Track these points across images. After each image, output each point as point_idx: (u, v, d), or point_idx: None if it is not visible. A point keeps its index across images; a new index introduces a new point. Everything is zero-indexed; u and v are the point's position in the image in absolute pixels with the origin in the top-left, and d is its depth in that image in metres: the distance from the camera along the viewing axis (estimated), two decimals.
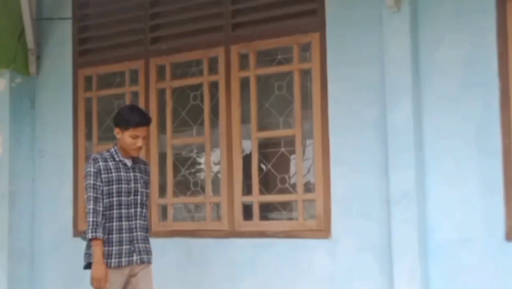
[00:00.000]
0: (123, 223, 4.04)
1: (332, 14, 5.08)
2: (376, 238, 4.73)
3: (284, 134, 5.52)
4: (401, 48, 4.66)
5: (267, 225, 5.29)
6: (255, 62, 5.48)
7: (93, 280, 3.93)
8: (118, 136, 4.08)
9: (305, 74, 5.32)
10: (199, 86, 5.81)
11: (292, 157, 5.52)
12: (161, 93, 5.95)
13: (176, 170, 5.94)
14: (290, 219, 5.42)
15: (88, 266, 4.03)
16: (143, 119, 4.07)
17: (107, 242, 3.97)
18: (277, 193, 5.50)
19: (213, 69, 5.71)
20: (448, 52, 4.61)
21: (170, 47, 5.88)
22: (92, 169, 4.01)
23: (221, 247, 5.37)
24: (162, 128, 5.92)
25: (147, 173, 4.28)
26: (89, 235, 3.92)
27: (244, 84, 5.53)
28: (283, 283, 5.07)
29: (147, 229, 4.21)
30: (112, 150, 4.13)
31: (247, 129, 5.57)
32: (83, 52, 6.41)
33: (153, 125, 5.85)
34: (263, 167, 5.71)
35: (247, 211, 5.43)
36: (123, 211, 4.03)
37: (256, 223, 5.31)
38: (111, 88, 6.33)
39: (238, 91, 5.50)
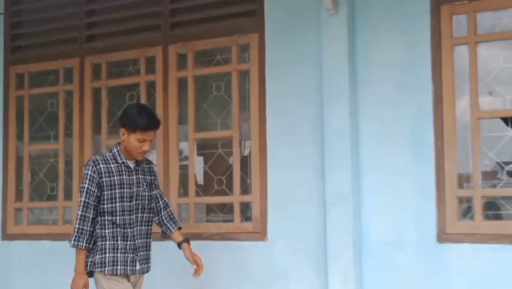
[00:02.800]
0: (128, 230, 3.74)
1: (271, 15, 5.08)
2: (312, 240, 4.73)
3: (222, 136, 5.47)
4: (338, 50, 4.69)
5: (203, 227, 5.22)
6: (193, 62, 5.41)
7: None
8: (123, 137, 3.74)
9: (244, 75, 5.29)
10: (135, 86, 5.70)
11: (230, 158, 5.48)
12: (97, 92, 5.82)
13: None
14: (227, 221, 5.36)
15: (91, 274, 3.76)
16: (153, 123, 3.71)
17: (113, 248, 3.70)
18: (214, 195, 5.44)
19: (150, 69, 5.61)
20: (384, 55, 4.66)
21: (106, 45, 5.76)
22: (89, 172, 3.69)
23: (156, 249, 5.22)
24: (96, 128, 5.78)
25: (151, 172, 3.96)
26: (71, 243, 3.68)
27: (182, 84, 5.46)
28: (219, 285, 5.01)
29: (148, 235, 3.91)
30: (115, 150, 3.78)
31: (184, 130, 5.50)
32: (15, 49, 6.21)
33: (87, 126, 5.74)
34: (201, 168, 5.64)
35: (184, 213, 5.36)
36: (125, 217, 3.73)
37: (192, 225, 5.23)
38: (44, 86, 6.15)
39: (176, 91, 5.43)
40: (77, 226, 3.67)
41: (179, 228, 4.07)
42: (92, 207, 3.67)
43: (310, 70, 4.86)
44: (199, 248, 5.06)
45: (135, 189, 3.76)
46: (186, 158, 5.42)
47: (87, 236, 3.66)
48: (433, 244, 4.42)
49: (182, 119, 5.47)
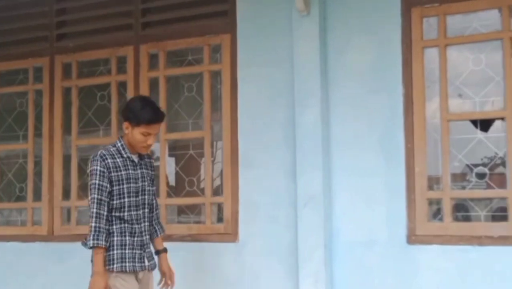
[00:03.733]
0: (135, 226, 3.64)
1: (243, 16, 5.06)
2: (283, 241, 4.72)
3: (194, 137, 5.44)
4: (310, 51, 4.69)
5: (174, 228, 5.18)
6: (165, 62, 5.37)
7: None
8: (126, 131, 3.62)
9: (215, 75, 5.27)
10: (106, 86, 5.65)
11: (202, 159, 5.45)
12: (67, 92, 5.75)
13: (81, 172, 5.73)
14: (198, 222, 5.33)
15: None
16: (156, 116, 3.62)
17: (120, 245, 3.56)
18: (185, 196, 5.41)
19: (121, 69, 5.56)
20: (355, 57, 4.68)
21: (76, 44, 5.69)
22: (98, 167, 3.55)
23: None
24: (67, 128, 5.71)
25: (152, 167, 3.85)
26: (90, 243, 3.46)
27: (153, 84, 5.41)
28: (189, 286, 4.97)
29: (149, 232, 3.82)
30: (119, 144, 3.67)
31: None
32: None
33: (57, 126, 5.67)
34: (172, 169, 5.61)
35: None
36: (133, 212, 3.62)
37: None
38: (13, 86, 6.06)
39: (147, 91, 5.38)
40: (93, 224, 3.47)
41: (163, 234, 3.96)
42: (106, 204, 3.53)
43: (282, 71, 4.85)
44: (170, 249, 5.07)
45: (140, 184, 3.67)
46: (158, 159, 5.37)
47: (104, 234, 3.50)
48: (403, 245, 4.44)
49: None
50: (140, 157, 3.73)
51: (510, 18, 4.38)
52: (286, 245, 4.71)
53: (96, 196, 3.51)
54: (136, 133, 3.59)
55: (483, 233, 4.27)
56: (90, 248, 3.49)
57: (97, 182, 3.53)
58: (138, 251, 3.62)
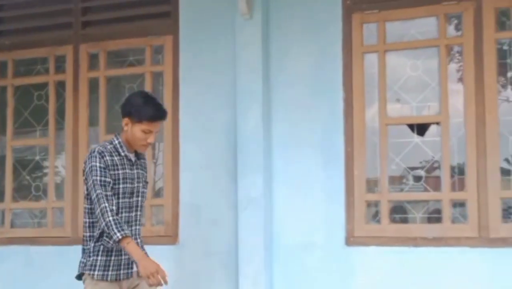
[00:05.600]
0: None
1: (186, 18, 5.05)
2: (223, 244, 4.72)
3: None
4: (252, 55, 4.71)
5: None
6: (105, 62, 5.30)
7: (150, 277, 3.09)
8: (125, 128, 3.35)
9: (157, 77, 5.22)
10: (44, 86, 5.52)
11: None
12: (2, 91, 5.59)
13: (16, 173, 5.58)
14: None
15: (79, 277, 3.35)
16: (160, 113, 3.36)
17: (106, 251, 3.28)
18: None
19: (60, 68, 5.45)
20: (297, 61, 4.73)
21: (13, 42, 5.55)
22: (97, 164, 3.25)
23: (63, 255, 5.09)
24: (1, 129, 5.55)
25: (145, 168, 3.60)
26: (117, 236, 3.12)
27: (93, 85, 5.33)
28: None
29: (141, 234, 3.55)
30: (116, 141, 3.38)
31: (95, 132, 5.36)
32: None
33: None
34: None
35: None
36: (124, 214, 3.34)
37: None
38: None
39: (87, 92, 5.31)
40: (109, 218, 3.16)
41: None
42: (113, 199, 3.24)
43: (224, 74, 4.86)
44: None
45: (136, 185, 3.42)
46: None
47: (123, 224, 3.20)
48: (342, 247, 4.51)
49: (93, 121, 5.33)
50: (137, 156, 3.50)
51: (447, 26, 4.52)
52: (226, 247, 4.70)
53: (100, 191, 3.22)
54: (136, 131, 3.32)
55: (419, 235, 4.39)
56: (119, 241, 3.15)
57: (98, 178, 3.24)
58: (126, 256, 3.33)
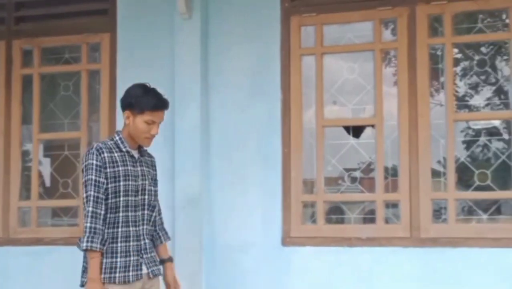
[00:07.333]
0: (130, 229, 3.23)
1: (124, 16, 4.98)
2: None
3: (70, 137, 5.27)
4: (191, 55, 4.68)
5: (46, 232, 4.99)
6: (40, 59, 5.17)
7: None
8: (127, 121, 3.26)
9: (94, 75, 5.14)
10: None
11: (77, 160, 5.29)
12: None
13: None
14: (72, 225, 5.16)
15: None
16: (161, 101, 3.29)
17: (111, 252, 3.17)
18: (59, 198, 5.23)
19: None
20: (236, 61, 4.74)
21: None
22: (94, 162, 3.16)
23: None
24: None
25: (154, 166, 3.51)
26: (84, 245, 3.07)
27: (27, 82, 5.19)
28: None
29: (153, 236, 3.45)
30: (117, 138, 3.29)
31: (29, 130, 5.23)
32: None
33: None
34: (45, 170, 5.40)
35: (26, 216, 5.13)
36: (130, 214, 3.23)
37: (33, 230, 5.00)
38: None
39: (20, 89, 5.17)
40: (88, 224, 3.09)
41: (168, 241, 3.59)
42: (103, 202, 3.16)
43: (163, 74, 4.80)
44: (40, 253, 4.90)
45: (140, 182, 3.30)
46: (30, 160, 5.16)
47: (101, 236, 3.12)
48: (278, 247, 4.55)
49: (26, 119, 5.20)
50: (141, 153, 3.38)
51: (382, 31, 4.62)
52: None
53: (92, 192, 3.14)
54: (139, 122, 3.24)
55: (353, 235, 4.47)
56: (84, 250, 3.12)
57: (93, 177, 3.15)
58: (133, 258, 3.23)
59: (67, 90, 5.33)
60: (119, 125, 4.84)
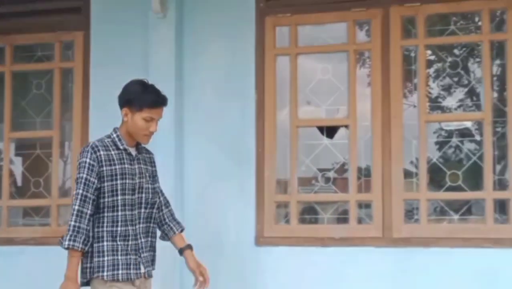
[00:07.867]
0: (129, 228, 3.18)
1: (98, 14, 4.95)
2: None
3: (42, 136, 5.21)
4: (165, 54, 4.67)
5: (17, 231, 4.94)
6: (11, 57, 5.12)
7: None
8: (125, 119, 3.20)
9: (67, 73, 5.10)
10: None
11: (49, 159, 5.24)
12: None
13: None
14: (44, 225, 5.11)
15: (87, 283, 3.15)
16: (160, 98, 3.22)
17: (111, 250, 3.12)
18: (30, 197, 5.17)
19: None
20: (210, 61, 4.73)
21: None
22: (88, 160, 3.09)
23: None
24: None
25: (152, 163, 3.43)
26: (66, 244, 3.02)
27: None
28: None
29: (151, 234, 3.33)
30: (114, 135, 3.23)
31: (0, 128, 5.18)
32: None
33: None
34: (17, 169, 5.34)
35: None
36: (127, 213, 3.17)
37: (4, 229, 4.95)
38: None
39: None
40: (72, 223, 3.04)
41: (182, 230, 3.54)
42: (91, 201, 3.08)
43: (137, 73, 4.66)
44: (11, 253, 4.84)
45: (137, 180, 3.23)
46: (1, 160, 5.10)
47: (84, 236, 3.05)
48: (252, 247, 4.55)
49: None
50: (138, 151, 3.31)
51: (356, 32, 4.65)
52: None
53: (81, 191, 3.07)
54: (137, 119, 3.18)
55: (326, 235, 4.49)
56: (65, 248, 3.06)
57: (84, 175, 3.08)
58: (133, 257, 3.19)
59: (39, 88, 5.28)
60: (92, 124, 4.84)
